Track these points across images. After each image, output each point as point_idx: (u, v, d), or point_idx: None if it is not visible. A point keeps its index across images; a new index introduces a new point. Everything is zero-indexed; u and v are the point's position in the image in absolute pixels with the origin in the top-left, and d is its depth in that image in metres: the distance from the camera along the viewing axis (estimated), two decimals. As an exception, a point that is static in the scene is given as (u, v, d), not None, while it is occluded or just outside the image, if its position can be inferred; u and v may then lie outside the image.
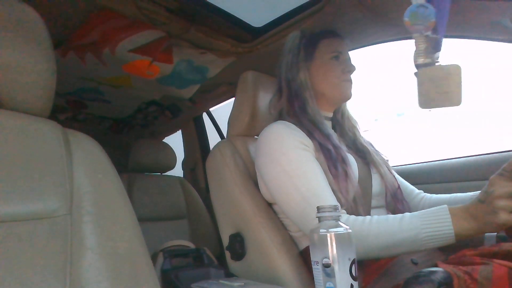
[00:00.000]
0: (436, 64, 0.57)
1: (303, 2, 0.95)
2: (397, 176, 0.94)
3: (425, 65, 0.57)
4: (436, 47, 0.57)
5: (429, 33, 0.56)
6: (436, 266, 0.64)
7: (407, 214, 0.67)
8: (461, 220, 0.61)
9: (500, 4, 0.78)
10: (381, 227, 0.66)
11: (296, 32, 0.92)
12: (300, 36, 0.91)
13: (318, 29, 0.94)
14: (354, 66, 0.89)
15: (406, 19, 0.56)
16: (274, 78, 1.12)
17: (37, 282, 0.45)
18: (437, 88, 0.56)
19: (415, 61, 0.58)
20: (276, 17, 1.03)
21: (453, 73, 0.56)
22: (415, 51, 0.58)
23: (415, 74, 0.58)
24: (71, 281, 0.47)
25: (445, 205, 0.64)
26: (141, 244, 0.55)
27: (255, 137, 1.09)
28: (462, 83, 0.56)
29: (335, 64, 0.88)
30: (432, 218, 0.63)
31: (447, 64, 0.57)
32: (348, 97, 0.90)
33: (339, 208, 0.70)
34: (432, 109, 0.58)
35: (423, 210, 0.66)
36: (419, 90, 0.57)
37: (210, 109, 1.82)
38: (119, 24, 0.99)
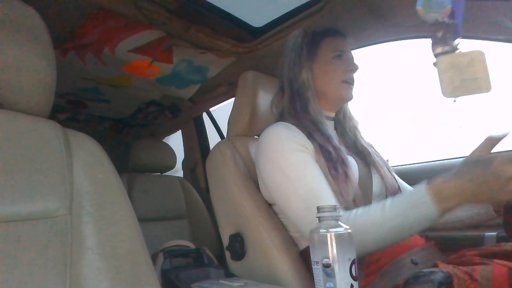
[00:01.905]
0: (457, 51, 0.55)
1: (303, 2, 0.95)
2: (397, 177, 0.94)
3: (445, 53, 0.55)
4: (455, 33, 0.54)
5: (446, 19, 0.53)
6: (436, 266, 0.64)
7: (387, 202, 0.66)
8: (445, 200, 0.61)
9: (500, 4, 0.78)
10: (365, 221, 0.65)
11: (298, 31, 0.92)
12: (303, 35, 0.91)
13: (320, 28, 0.93)
14: (357, 65, 0.89)
15: (419, 7, 0.54)
16: (274, 78, 1.12)
17: (37, 282, 0.45)
18: (463, 75, 0.53)
19: (433, 50, 0.56)
20: (276, 17, 1.03)
21: (477, 59, 0.54)
22: (432, 39, 0.55)
23: (434, 64, 0.56)
24: (71, 281, 0.47)
25: (423, 184, 0.64)
26: (141, 244, 0.55)
27: (255, 137, 1.09)
28: (489, 69, 0.53)
29: (338, 63, 0.88)
30: (412, 201, 0.64)
31: (469, 50, 0.54)
32: (349, 98, 0.90)
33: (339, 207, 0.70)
34: (457, 98, 0.55)
35: (402, 196, 0.66)
36: (442, 78, 0.55)
37: (210, 109, 1.82)
38: (119, 24, 0.99)
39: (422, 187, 0.64)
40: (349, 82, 0.88)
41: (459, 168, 0.62)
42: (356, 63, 0.90)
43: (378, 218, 0.64)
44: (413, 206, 0.63)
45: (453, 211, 0.62)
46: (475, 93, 0.54)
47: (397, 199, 0.66)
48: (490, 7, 0.79)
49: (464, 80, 0.54)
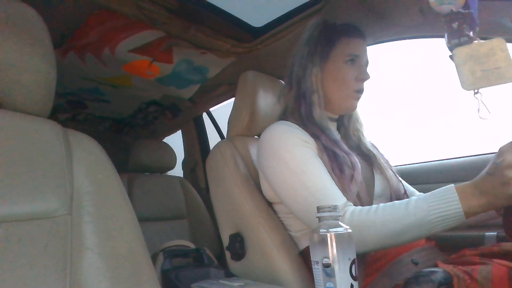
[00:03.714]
0: (475, 41, 0.53)
1: (303, 2, 0.95)
2: (403, 182, 0.94)
3: (461, 44, 0.53)
4: (472, 23, 0.53)
5: (460, 9, 0.52)
6: (436, 266, 0.64)
7: (413, 198, 0.65)
8: (469, 197, 0.59)
9: (500, 4, 0.78)
10: (387, 214, 0.64)
11: (318, 19, 0.87)
12: (321, 26, 0.86)
13: (341, 21, 0.89)
14: (368, 75, 0.85)
15: (431, 0, 0.53)
16: (274, 78, 1.12)
17: (37, 282, 0.45)
18: (483, 66, 0.52)
19: (449, 42, 0.54)
20: (276, 17, 1.03)
21: (497, 47, 0.52)
22: (448, 31, 0.54)
23: (450, 56, 0.54)
24: (71, 281, 0.47)
25: (452, 185, 0.62)
26: (141, 244, 0.55)
27: (255, 137, 1.09)
28: (511, 57, 0.52)
29: (349, 69, 0.84)
30: (438, 198, 0.61)
31: (488, 39, 0.52)
32: (352, 110, 0.89)
33: (346, 201, 0.70)
34: (479, 89, 0.53)
35: (429, 192, 0.64)
36: (461, 71, 0.53)
37: (210, 109, 1.82)
38: (119, 24, 0.99)
39: (450, 186, 0.62)
40: (358, 93, 0.85)
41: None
42: (368, 72, 0.86)
43: (402, 211, 0.63)
44: (438, 203, 0.61)
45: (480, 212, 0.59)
46: (497, 84, 0.52)
47: (424, 195, 0.64)
48: (490, 7, 0.79)
49: (485, 71, 0.52)
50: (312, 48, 0.85)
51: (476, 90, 0.54)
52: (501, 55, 0.52)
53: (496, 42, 0.52)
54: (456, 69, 0.53)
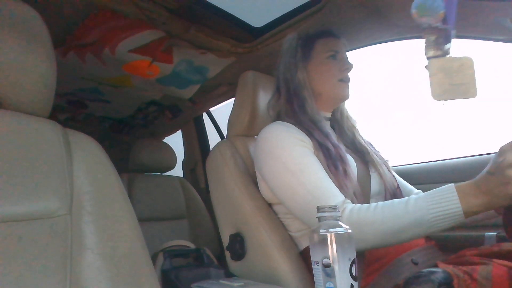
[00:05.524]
0: (448, 56, 0.56)
1: (303, 3, 0.95)
2: (396, 176, 0.94)
3: (436, 57, 0.56)
4: (447, 38, 0.56)
5: (438, 24, 0.55)
6: (436, 266, 0.64)
7: (412, 196, 0.65)
8: (469, 197, 0.58)
9: (500, 4, 0.78)
10: (386, 212, 0.64)
11: (292, 34, 0.93)
12: (297, 37, 0.92)
13: (314, 30, 0.94)
14: (351, 64, 0.89)
15: (413, 10, 0.56)
16: (274, 78, 1.12)
17: (37, 282, 0.45)
18: (451, 79, 0.55)
19: (425, 53, 0.57)
20: (276, 17, 1.03)
21: (466, 64, 0.55)
22: (425, 43, 0.57)
23: (426, 66, 0.57)
24: (71, 281, 0.47)
25: (452, 184, 0.62)
26: (141, 244, 0.55)
27: (255, 137, 1.09)
28: (476, 75, 0.55)
29: (332, 63, 0.88)
30: (438, 197, 0.61)
31: (459, 56, 0.56)
32: (345, 97, 0.90)
33: (344, 199, 0.70)
34: (445, 102, 0.56)
35: (429, 191, 0.64)
36: (432, 81, 0.56)
37: (210, 109, 1.82)
38: (119, 24, 0.99)
39: (450, 185, 0.62)
40: (345, 81, 0.89)
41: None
42: (351, 62, 0.90)
43: (401, 210, 0.63)
44: (437, 202, 0.61)
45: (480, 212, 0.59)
46: (462, 98, 0.56)
47: (424, 194, 0.64)
48: (490, 7, 0.79)
49: (453, 85, 0.55)
50: (293, 54, 0.90)
51: (443, 102, 0.57)
52: (468, 72, 0.56)
53: (466, 60, 0.56)
54: (428, 79, 0.57)
